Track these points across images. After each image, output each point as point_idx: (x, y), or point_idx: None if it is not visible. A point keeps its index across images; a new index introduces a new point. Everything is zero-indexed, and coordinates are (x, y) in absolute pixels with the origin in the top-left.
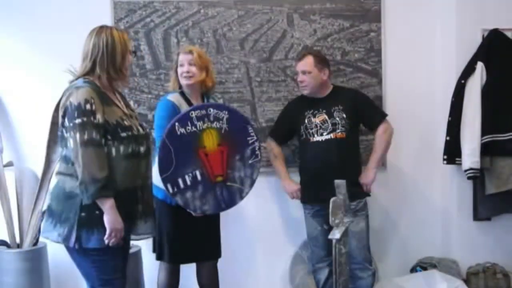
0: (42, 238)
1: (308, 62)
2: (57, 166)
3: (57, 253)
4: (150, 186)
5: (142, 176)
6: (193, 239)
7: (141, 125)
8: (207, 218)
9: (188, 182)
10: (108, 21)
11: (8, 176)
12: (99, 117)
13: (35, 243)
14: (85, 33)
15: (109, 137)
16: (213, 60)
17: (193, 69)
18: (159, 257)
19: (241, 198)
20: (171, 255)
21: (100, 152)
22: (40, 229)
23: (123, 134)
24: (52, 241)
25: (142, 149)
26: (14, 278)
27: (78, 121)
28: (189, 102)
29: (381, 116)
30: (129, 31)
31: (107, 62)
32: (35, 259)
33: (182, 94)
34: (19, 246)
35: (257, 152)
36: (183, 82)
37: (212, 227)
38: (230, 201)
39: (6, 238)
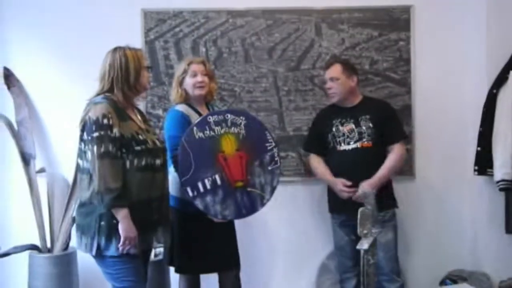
0: (72, 243)
1: (336, 69)
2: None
3: (86, 259)
4: (167, 197)
5: (158, 187)
6: (211, 248)
7: (158, 139)
8: (223, 227)
9: (208, 186)
10: (138, 30)
11: (40, 182)
12: (115, 131)
13: (65, 248)
14: (117, 42)
15: (123, 150)
16: (241, 69)
17: (206, 79)
18: (178, 270)
19: (262, 205)
20: (189, 265)
21: (116, 164)
22: (70, 235)
23: (137, 148)
24: (84, 252)
25: (158, 162)
26: (44, 282)
27: (95, 134)
28: (197, 112)
29: (399, 136)
30: (159, 41)
31: (122, 81)
32: (65, 264)
33: (189, 104)
34: (49, 250)
35: (276, 158)
36: (197, 92)
37: (229, 236)
38: (251, 208)
39: (38, 243)
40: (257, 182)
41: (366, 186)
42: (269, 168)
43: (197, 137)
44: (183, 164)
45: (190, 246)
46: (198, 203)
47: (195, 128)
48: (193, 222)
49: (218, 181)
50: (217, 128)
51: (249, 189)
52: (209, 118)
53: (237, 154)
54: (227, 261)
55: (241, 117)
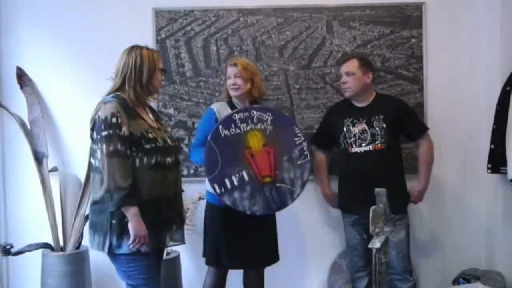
0: (84, 242)
1: (352, 64)
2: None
3: (98, 257)
4: (180, 196)
5: (170, 186)
6: (243, 244)
7: (170, 138)
8: (259, 223)
9: (235, 183)
10: (149, 29)
11: (53, 181)
12: (124, 129)
13: (78, 247)
14: (128, 41)
15: (133, 148)
16: None
17: (239, 81)
18: (209, 262)
19: (292, 199)
20: (220, 260)
21: (125, 163)
22: (82, 233)
23: (147, 146)
24: (97, 250)
25: (169, 160)
26: (57, 280)
27: (104, 133)
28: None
29: (423, 129)
30: (170, 39)
31: (135, 79)
32: (77, 262)
33: (230, 103)
34: (62, 249)
35: (306, 152)
36: (232, 93)
37: (265, 232)
38: (281, 202)
39: (50, 241)
40: (286, 177)
41: (418, 191)
42: (299, 162)
43: (222, 135)
44: (209, 162)
45: (224, 241)
46: (226, 199)
47: (220, 126)
48: (228, 217)
49: (246, 177)
50: (242, 126)
51: (278, 184)
52: (235, 116)
53: (264, 149)
54: (258, 259)
55: (268, 113)
